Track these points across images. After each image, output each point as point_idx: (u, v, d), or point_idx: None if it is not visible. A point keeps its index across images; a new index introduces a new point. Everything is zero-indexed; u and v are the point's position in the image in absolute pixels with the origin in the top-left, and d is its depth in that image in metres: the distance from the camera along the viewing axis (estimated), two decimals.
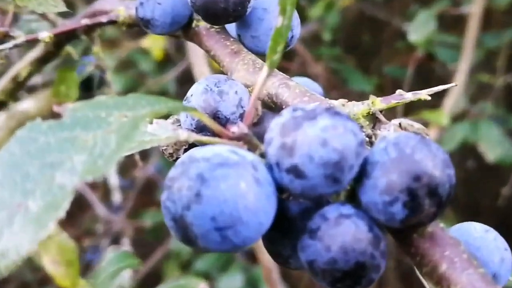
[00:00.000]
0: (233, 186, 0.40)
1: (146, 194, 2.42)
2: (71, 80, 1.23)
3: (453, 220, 2.50)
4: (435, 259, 0.44)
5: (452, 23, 2.46)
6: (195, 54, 1.51)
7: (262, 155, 0.45)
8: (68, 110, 0.38)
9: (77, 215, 2.28)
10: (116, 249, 1.57)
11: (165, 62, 2.47)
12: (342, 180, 0.41)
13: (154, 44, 2.24)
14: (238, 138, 0.46)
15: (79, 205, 2.27)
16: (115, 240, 2.17)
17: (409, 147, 0.42)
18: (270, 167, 0.43)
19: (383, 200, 0.42)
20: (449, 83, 2.12)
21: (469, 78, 2.31)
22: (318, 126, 0.41)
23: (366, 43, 3.11)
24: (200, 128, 0.58)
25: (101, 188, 2.30)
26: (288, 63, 2.73)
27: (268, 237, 0.50)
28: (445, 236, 0.46)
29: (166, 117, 0.57)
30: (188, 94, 0.61)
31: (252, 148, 0.46)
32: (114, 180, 2.29)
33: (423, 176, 0.41)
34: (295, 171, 0.41)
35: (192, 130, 0.57)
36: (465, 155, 2.54)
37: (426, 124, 2.09)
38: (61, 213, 0.32)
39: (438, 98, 2.18)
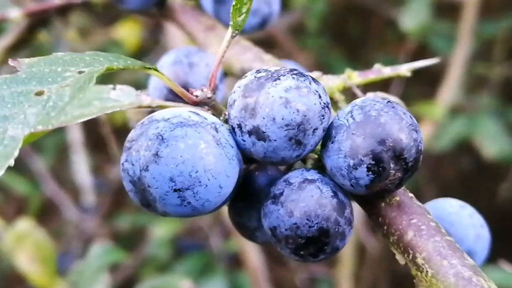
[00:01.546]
0: (192, 146, 0.41)
1: (121, 194, 2.42)
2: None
3: None
4: (401, 227, 0.46)
5: (447, 10, 2.44)
6: (174, 43, 1.53)
7: (227, 121, 0.46)
8: (23, 65, 0.39)
9: (45, 218, 2.27)
10: (101, 244, 1.59)
11: (140, 53, 2.46)
12: (305, 142, 0.43)
13: (129, 33, 2.23)
14: (202, 103, 0.47)
15: (47, 207, 2.28)
16: (87, 244, 2.18)
17: (375, 110, 0.44)
18: (233, 130, 0.45)
19: (347, 164, 0.43)
20: (444, 75, 2.12)
21: (466, 69, 2.30)
22: (281, 86, 0.43)
23: (354, 33, 3.10)
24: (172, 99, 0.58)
25: (72, 188, 2.28)
26: (272, 53, 2.75)
27: (235, 208, 0.52)
28: (413, 204, 0.48)
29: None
30: (158, 65, 0.62)
31: (216, 113, 0.47)
32: (86, 179, 2.25)
33: (388, 139, 0.43)
34: (257, 133, 0.43)
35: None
36: (461, 153, 2.53)
37: (420, 117, 2.10)
38: (11, 162, 0.35)
39: (432, 90, 2.19)
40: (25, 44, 1.06)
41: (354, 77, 0.60)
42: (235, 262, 1.94)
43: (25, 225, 1.18)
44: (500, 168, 2.31)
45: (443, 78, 2.16)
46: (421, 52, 2.41)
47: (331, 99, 0.58)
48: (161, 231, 2.08)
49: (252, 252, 1.68)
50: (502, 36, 2.40)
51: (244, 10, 0.45)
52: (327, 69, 2.92)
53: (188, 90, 0.51)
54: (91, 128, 2.03)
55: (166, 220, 1.83)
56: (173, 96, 0.52)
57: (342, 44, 3.01)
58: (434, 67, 2.44)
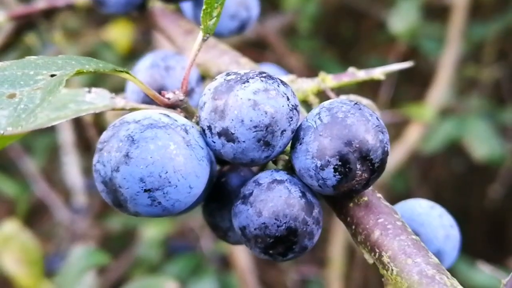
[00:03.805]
0: (162, 147, 0.42)
1: None
2: None
3: None
4: (368, 226, 0.47)
5: (437, 12, 2.44)
6: (164, 45, 1.55)
7: (198, 123, 0.47)
8: None
9: (36, 219, 2.26)
10: (83, 246, 1.58)
11: (131, 54, 2.45)
12: (274, 144, 0.44)
13: (120, 35, 2.22)
14: (174, 105, 0.48)
15: (38, 208, 2.28)
16: (78, 244, 2.18)
17: (342, 112, 0.45)
18: (203, 132, 0.46)
19: (314, 164, 0.44)
20: (434, 75, 2.12)
21: (456, 71, 2.30)
22: (250, 89, 0.44)
23: (345, 34, 3.09)
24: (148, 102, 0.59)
25: (62, 190, 2.27)
26: (263, 55, 2.69)
27: (208, 209, 0.53)
28: (380, 204, 0.49)
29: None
30: (135, 69, 0.63)
31: (188, 115, 0.48)
32: (77, 180, 2.24)
33: (354, 140, 0.44)
34: (226, 134, 0.44)
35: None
36: (452, 155, 2.54)
37: (409, 119, 2.13)
38: None
39: (421, 92, 2.20)
40: (11, 47, 1.06)
41: (329, 80, 0.61)
42: (225, 263, 1.94)
43: (11, 227, 1.19)
44: (491, 169, 2.32)
45: (433, 80, 2.17)
46: (411, 53, 2.41)
47: (306, 102, 0.59)
48: (152, 232, 2.07)
49: (241, 254, 1.68)
50: (492, 38, 2.40)
51: (214, 14, 0.46)
52: (319, 71, 2.94)
53: (161, 93, 0.51)
54: (82, 129, 2.05)
55: (157, 221, 1.83)
56: (149, 99, 0.52)
57: (333, 46, 3.00)
58: (424, 68, 2.43)
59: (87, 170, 2.40)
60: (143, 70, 0.61)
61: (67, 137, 2.00)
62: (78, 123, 1.98)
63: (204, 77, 0.70)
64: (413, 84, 2.57)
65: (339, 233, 2.01)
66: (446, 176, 3.21)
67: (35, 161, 2.35)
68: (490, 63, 2.43)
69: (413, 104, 2.14)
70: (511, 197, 2.65)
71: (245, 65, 0.69)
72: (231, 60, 0.66)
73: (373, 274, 2.56)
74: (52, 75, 0.40)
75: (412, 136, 2.10)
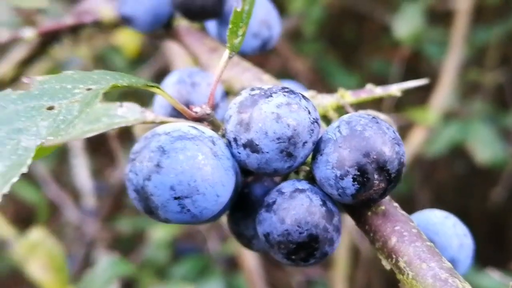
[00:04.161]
0: (191, 157, 0.45)
1: (121, 198, 2.45)
2: None
3: None
4: (386, 234, 0.50)
5: (440, 16, 2.45)
6: (174, 51, 1.57)
7: (224, 136, 0.50)
8: (36, 82, 0.43)
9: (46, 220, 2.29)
10: (108, 255, 1.62)
11: (139, 60, 2.47)
12: (296, 155, 0.47)
13: (128, 39, 2.23)
14: (201, 119, 0.51)
15: (49, 210, 2.22)
16: (89, 247, 2.20)
17: (360, 125, 0.48)
18: (229, 144, 0.48)
19: (334, 174, 0.47)
20: (437, 79, 2.14)
21: (459, 75, 2.31)
22: (273, 103, 0.47)
23: (349, 37, 3.09)
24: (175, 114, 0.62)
25: (72, 192, 2.29)
26: (268, 59, 2.73)
27: (233, 218, 0.56)
28: (397, 213, 0.51)
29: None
30: (163, 84, 0.66)
31: (215, 128, 0.51)
32: (86, 183, 2.26)
33: (372, 152, 0.46)
34: (251, 145, 0.46)
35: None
36: (455, 157, 2.55)
37: (413, 123, 2.13)
38: (24, 170, 0.38)
39: (425, 96, 2.21)
40: (37, 58, 1.09)
41: (347, 96, 0.64)
42: (233, 264, 1.96)
43: (37, 234, 1.20)
44: (493, 172, 2.33)
45: (436, 83, 2.19)
46: (415, 57, 2.43)
47: (325, 116, 0.61)
48: (160, 234, 2.08)
49: (249, 255, 1.71)
50: (495, 42, 2.40)
51: (240, 33, 0.49)
52: (323, 74, 2.89)
53: (190, 108, 0.54)
54: None
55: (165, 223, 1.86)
56: (176, 113, 0.55)
57: (338, 49, 3.01)
58: (428, 72, 2.45)
59: (96, 173, 2.42)
60: (170, 86, 0.64)
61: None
62: None
63: (227, 93, 0.73)
64: (416, 87, 2.60)
65: (344, 235, 2.03)
66: (448, 178, 3.22)
67: (45, 163, 2.35)
68: (493, 67, 2.43)
69: (417, 108, 2.15)
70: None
71: (267, 81, 0.71)
72: (253, 77, 0.69)
73: (377, 276, 2.58)
74: (89, 89, 0.43)
75: (416, 140, 2.11)
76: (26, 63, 1.09)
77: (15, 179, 0.38)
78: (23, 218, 2.02)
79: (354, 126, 0.48)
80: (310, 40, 2.74)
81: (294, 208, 0.48)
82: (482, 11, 2.57)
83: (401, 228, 0.50)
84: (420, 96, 2.37)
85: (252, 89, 0.49)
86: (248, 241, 0.57)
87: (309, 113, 0.47)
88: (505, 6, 2.58)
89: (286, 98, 0.47)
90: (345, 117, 0.49)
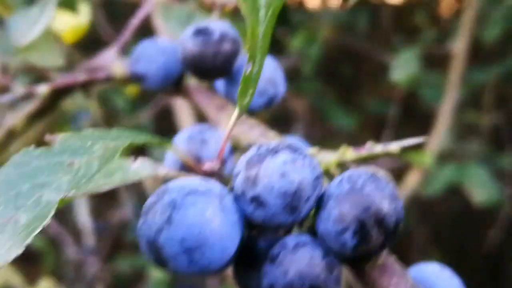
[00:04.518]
0: (200, 212, 0.47)
1: (121, 236, 2.45)
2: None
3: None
4: (383, 286, 0.52)
5: (437, 59, 2.51)
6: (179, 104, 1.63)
7: (232, 190, 0.52)
8: (58, 139, 0.46)
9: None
10: None
11: (140, 100, 2.50)
12: (299, 209, 0.49)
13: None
14: (211, 174, 0.54)
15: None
16: (89, 286, 2.19)
17: (360, 182, 0.50)
18: (237, 199, 0.51)
19: (335, 229, 0.49)
20: (434, 120, 2.16)
21: (456, 117, 2.34)
22: (279, 160, 0.49)
23: (348, 76, 3.15)
24: (186, 169, 0.65)
25: (73, 231, 2.31)
26: None
27: (238, 270, 0.58)
28: (395, 266, 0.53)
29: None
30: (174, 140, 0.71)
31: (224, 183, 0.53)
32: (87, 222, 2.29)
33: (371, 207, 0.48)
34: (257, 200, 0.49)
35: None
36: (452, 196, 2.58)
37: (410, 165, 2.16)
38: (46, 222, 0.41)
39: (424, 133, 2.24)
40: (49, 110, 1.11)
41: (349, 153, 0.66)
42: None
43: (46, 285, 1.19)
44: (489, 211, 2.35)
45: (433, 124, 2.22)
46: (413, 96, 2.47)
47: (328, 172, 0.64)
48: (159, 273, 2.09)
49: None
50: (491, 84, 2.45)
51: (249, 93, 0.52)
52: (322, 113, 2.92)
53: (199, 163, 0.57)
54: None
55: None
56: (186, 168, 0.58)
57: (336, 88, 3.06)
58: (426, 113, 2.46)
59: (97, 212, 2.43)
60: (181, 142, 0.68)
61: None
62: None
63: (235, 148, 0.76)
64: (414, 127, 2.62)
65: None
66: (444, 216, 3.24)
67: None
68: (489, 109, 2.47)
69: (414, 150, 2.19)
70: (509, 239, 2.68)
71: (273, 138, 0.74)
72: (260, 134, 0.72)
73: None
74: (107, 146, 0.46)
75: (412, 181, 2.17)
76: (37, 116, 1.10)
77: (37, 230, 0.41)
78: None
79: (355, 182, 0.50)
80: (308, 79, 2.83)
81: (297, 261, 0.50)
82: (478, 52, 2.62)
83: (398, 281, 0.52)
84: (418, 134, 2.41)
85: (259, 147, 0.51)
86: None
87: (313, 169, 0.50)
88: (501, 46, 2.64)
89: (291, 155, 0.49)
90: (346, 173, 0.52)
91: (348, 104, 3.09)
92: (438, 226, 3.24)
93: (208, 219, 0.48)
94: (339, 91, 3.25)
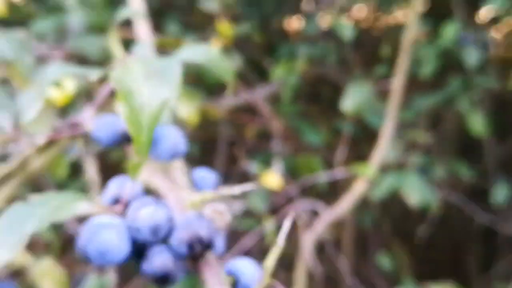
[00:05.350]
0: (107, 236, 0.73)
1: None
2: (63, 162, 1.62)
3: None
4: (205, 273, 0.78)
5: (381, 93, 2.69)
6: None
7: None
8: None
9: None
10: (98, 276, 1.78)
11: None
12: (159, 234, 0.76)
13: None
14: (119, 212, 0.81)
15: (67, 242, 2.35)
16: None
17: (190, 218, 0.78)
18: (128, 227, 0.77)
19: (178, 244, 0.77)
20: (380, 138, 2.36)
21: (399, 135, 2.62)
22: (148, 209, 0.75)
23: (327, 98, 3.30)
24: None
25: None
26: (252, 119, 3.02)
27: (135, 262, 0.82)
28: (213, 262, 0.77)
29: None
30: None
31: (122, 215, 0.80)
32: None
33: (195, 234, 0.76)
34: (137, 229, 0.75)
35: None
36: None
37: (355, 176, 2.40)
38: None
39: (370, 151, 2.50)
40: (43, 151, 1.10)
41: (204, 196, 0.84)
42: None
43: (47, 263, 1.32)
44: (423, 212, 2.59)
45: (377, 144, 2.48)
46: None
47: (195, 206, 0.85)
48: None
49: None
50: (428, 108, 2.71)
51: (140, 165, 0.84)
52: (296, 132, 3.16)
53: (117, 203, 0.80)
54: (107, 171, 2.28)
55: None
56: (112, 204, 0.82)
57: (316, 109, 3.31)
58: (375, 131, 2.66)
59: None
60: (110, 187, 0.85)
61: (93, 176, 2.22)
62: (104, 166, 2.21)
63: (147, 190, 0.89)
64: (364, 145, 2.85)
65: (301, 262, 2.32)
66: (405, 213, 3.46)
67: None
68: (426, 129, 2.72)
69: (359, 163, 2.45)
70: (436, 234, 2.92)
71: (177, 177, 0.90)
72: (162, 179, 0.90)
73: None
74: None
75: (359, 187, 2.41)
76: (34, 156, 1.22)
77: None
78: None
79: (187, 218, 0.76)
80: (288, 103, 2.96)
81: (159, 259, 0.76)
82: (418, 83, 2.86)
83: (214, 270, 0.77)
84: (367, 151, 2.67)
85: (141, 202, 0.76)
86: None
87: (166, 214, 0.74)
88: (437, 78, 2.86)
89: (155, 206, 0.75)
90: (186, 214, 0.78)
91: (326, 122, 3.27)
92: (398, 221, 3.48)
93: (109, 238, 0.72)
94: (319, 111, 3.43)
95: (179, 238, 0.76)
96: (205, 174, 0.97)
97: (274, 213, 2.49)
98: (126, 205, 0.80)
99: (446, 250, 3.97)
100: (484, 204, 2.85)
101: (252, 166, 2.62)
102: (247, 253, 2.44)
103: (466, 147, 3.36)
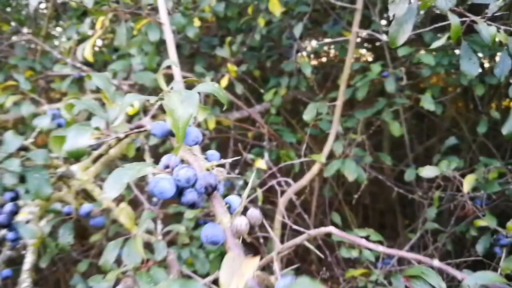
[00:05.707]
0: (163, 184, 0.81)
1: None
2: (132, 148, 1.88)
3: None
4: (214, 203, 0.85)
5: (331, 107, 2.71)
6: None
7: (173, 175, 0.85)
8: None
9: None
10: None
11: None
12: (190, 182, 0.82)
13: None
14: (169, 172, 0.87)
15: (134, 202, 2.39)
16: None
17: (207, 176, 0.85)
18: (174, 179, 0.82)
19: (199, 187, 0.83)
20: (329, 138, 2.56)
21: (342, 137, 2.72)
22: (184, 169, 0.82)
23: (298, 114, 3.20)
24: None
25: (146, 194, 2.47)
26: (253, 125, 3.12)
27: (178, 198, 0.86)
28: (218, 196, 0.85)
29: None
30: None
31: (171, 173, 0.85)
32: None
33: (209, 182, 0.82)
34: (178, 180, 0.82)
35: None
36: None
37: (313, 161, 2.52)
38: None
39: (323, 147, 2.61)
40: (119, 142, 1.41)
41: (212, 163, 0.92)
42: None
43: (123, 204, 1.48)
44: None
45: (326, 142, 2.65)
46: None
47: (208, 169, 0.90)
48: (191, 213, 2.31)
49: None
50: (363, 119, 2.84)
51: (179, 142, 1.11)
52: (280, 134, 3.39)
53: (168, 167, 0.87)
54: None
55: None
56: (165, 168, 0.87)
57: (295, 119, 3.41)
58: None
59: None
60: (163, 159, 0.89)
61: (147, 157, 2.21)
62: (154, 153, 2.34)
63: (183, 161, 0.91)
64: (322, 142, 3.04)
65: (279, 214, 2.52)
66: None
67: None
68: (362, 132, 2.81)
69: (315, 154, 2.58)
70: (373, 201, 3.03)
71: (198, 155, 0.93)
72: (191, 155, 0.93)
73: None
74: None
75: (314, 169, 2.53)
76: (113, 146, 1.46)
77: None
78: None
79: (204, 174, 0.82)
80: (274, 116, 3.14)
81: (189, 195, 0.82)
82: (357, 103, 3.03)
83: (218, 200, 0.84)
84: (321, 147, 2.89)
85: (180, 166, 0.82)
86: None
87: (193, 172, 0.80)
88: (369, 98, 3.02)
89: (187, 168, 0.81)
90: (203, 173, 0.84)
91: (299, 128, 3.43)
92: (349, 193, 3.62)
93: (165, 185, 0.79)
94: (295, 121, 3.55)
95: (200, 184, 0.83)
96: (213, 153, 1.01)
97: (263, 185, 2.68)
98: (172, 169, 0.87)
99: (380, 212, 4.16)
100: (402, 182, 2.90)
101: (249, 156, 2.83)
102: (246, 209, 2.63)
103: (398, 145, 3.46)
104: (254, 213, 0.86)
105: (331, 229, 1.51)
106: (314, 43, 3.45)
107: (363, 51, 3.92)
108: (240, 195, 0.99)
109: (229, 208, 0.89)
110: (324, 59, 4.45)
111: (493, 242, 1.86)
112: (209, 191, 0.84)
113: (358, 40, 3.39)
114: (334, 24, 2.99)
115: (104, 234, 2.46)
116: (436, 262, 1.13)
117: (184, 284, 0.61)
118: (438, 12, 1.49)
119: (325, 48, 3.96)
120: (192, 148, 0.96)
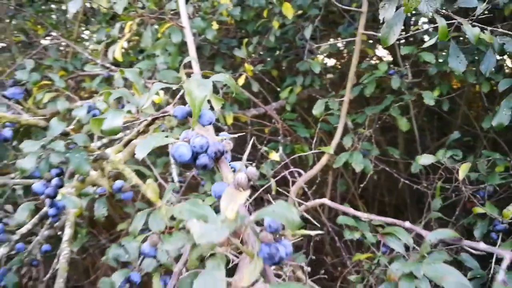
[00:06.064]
0: (182, 149, 0.93)
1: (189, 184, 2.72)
2: (159, 129, 2.16)
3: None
4: (221, 166, 0.97)
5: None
6: None
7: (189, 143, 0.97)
8: None
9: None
10: None
11: None
12: (204, 149, 0.96)
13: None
14: (187, 141, 1.30)
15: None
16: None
17: (217, 143, 1.35)
18: (191, 146, 0.95)
19: (211, 152, 0.95)
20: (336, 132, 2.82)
21: (352, 130, 2.89)
22: (198, 138, 0.96)
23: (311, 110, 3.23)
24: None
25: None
26: (270, 121, 3.21)
27: (194, 162, 0.99)
28: (225, 161, 0.97)
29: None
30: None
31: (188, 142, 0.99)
32: (176, 177, 2.61)
33: (217, 148, 0.96)
34: (194, 146, 0.94)
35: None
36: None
37: (323, 153, 2.72)
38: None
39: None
40: (149, 125, 1.36)
41: (222, 137, 1.12)
42: None
43: (150, 180, 1.44)
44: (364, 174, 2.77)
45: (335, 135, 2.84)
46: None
47: (220, 141, 1.00)
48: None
49: None
50: (372, 115, 2.97)
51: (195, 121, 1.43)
52: (294, 129, 3.62)
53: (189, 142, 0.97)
54: None
55: None
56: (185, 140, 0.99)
57: (309, 115, 3.47)
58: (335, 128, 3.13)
59: (180, 174, 2.74)
60: (182, 134, 0.99)
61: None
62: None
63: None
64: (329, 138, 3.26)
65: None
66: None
67: (157, 170, 2.67)
68: (369, 126, 2.91)
69: (325, 146, 2.67)
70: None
71: (211, 132, 1.04)
72: (206, 131, 1.00)
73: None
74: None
75: (323, 160, 2.62)
76: (143, 131, 1.44)
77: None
78: None
79: (214, 142, 0.94)
80: (289, 112, 3.28)
81: (203, 159, 0.93)
82: (366, 98, 3.21)
83: (224, 164, 0.94)
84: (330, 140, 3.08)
85: (196, 135, 0.94)
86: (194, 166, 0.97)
87: (206, 141, 0.91)
88: (378, 95, 3.21)
89: (201, 137, 0.92)
90: (214, 141, 0.96)
91: (309, 125, 3.52)
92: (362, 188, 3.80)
93: (183, 150, 0.91)
94: (309, 117, 3.64)
95: (211, 150, 0.96)
96: (224, 134, 1.11)
97: (276, 176, 2.92)
98: (189, 139, 0.99)
99: (395, 206, 4.30)
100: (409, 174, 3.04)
101: (264, 148, 3.09)
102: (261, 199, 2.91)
103: (412, 141, 3.57)
104: (252, 170, 1.00)
105: (324, 200, 1.81)
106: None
107: (384, 51, 4.07)
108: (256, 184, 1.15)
109: (234, 171, 1.01)
110: (344, 60, 4.64)
111: (492, 229, 1.96)
112: (218, 155, 0.98)
113: (371, 41, 3.53)
114: (348, 26, 3.16)
115: (129, 223, 2.58)
116: (407, 224, 1.41)
117: (194, 203, 0.90)
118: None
119: (344, 49, 4.11)
120: (207, 128, 1.07)
